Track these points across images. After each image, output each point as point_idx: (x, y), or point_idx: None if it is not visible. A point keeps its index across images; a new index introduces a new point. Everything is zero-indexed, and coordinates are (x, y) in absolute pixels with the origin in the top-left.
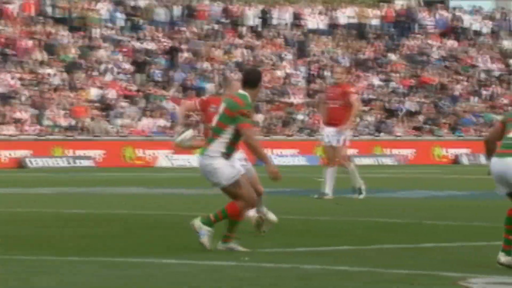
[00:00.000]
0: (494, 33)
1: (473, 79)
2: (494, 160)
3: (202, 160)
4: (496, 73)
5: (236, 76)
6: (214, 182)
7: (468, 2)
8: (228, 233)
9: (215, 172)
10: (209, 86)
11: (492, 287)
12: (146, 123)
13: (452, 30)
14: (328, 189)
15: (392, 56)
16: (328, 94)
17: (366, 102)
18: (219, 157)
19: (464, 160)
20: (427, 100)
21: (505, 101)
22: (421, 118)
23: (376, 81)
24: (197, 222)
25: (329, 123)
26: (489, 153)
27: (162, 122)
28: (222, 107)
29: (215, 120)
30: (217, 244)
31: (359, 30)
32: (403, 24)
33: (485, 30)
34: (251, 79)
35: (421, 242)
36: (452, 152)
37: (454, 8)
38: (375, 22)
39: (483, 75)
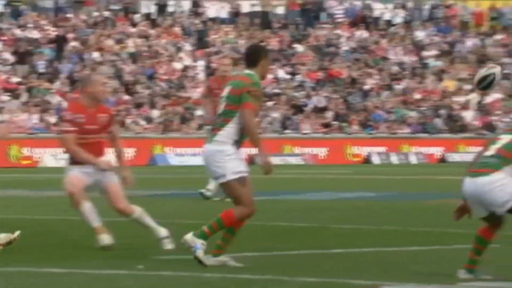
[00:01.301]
0: (407, 23)
1: (384, 72)
2: (467, 180)
3: (210, 147)
4: (409, 66)
5: (99, 70)
6: (217, 175)
7: None
8: (222, 244)
9: (224, 161)
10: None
11: None
12: (29, 118)
13: (363, 20)
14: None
15: (299, 47)
16: (216, 89)
17: (270, 96)
18: (231, 144)
19: (376, 159)
20: (336, 95)
21: (418, 96)
22: (329, 114)
23: (281, 74)
24: (189, 236)
25: None
26: None
27: (47, 117)
28: (227, 90)
29: (222, 105)
30: (208, 258)
31: (263, 19)
32: (310, 12)
33: (397, 20)
34: (248, 57)
35: (329, 247)
36: (365, 150)
37: None
38: (280, 10)
39: (395, 68)
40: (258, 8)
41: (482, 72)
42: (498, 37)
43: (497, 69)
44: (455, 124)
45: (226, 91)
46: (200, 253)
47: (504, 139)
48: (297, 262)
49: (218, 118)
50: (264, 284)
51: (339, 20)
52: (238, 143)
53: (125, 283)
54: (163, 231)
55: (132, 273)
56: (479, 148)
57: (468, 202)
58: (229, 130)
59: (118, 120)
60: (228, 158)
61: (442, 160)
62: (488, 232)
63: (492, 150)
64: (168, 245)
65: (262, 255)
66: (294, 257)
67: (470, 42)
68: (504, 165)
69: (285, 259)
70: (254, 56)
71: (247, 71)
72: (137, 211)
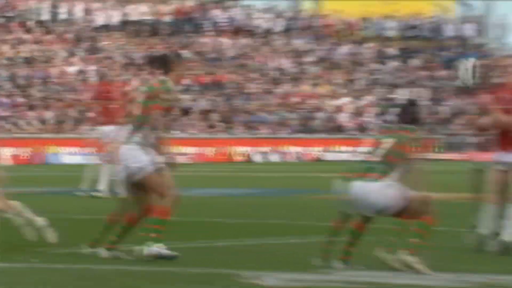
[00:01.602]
0: (286, 32)
1: (265, 77)
2: (355, 183)
3: (127, 146)
4: (288, 72)
5: None
6: (135, 171)
7: (261, 1)
8: (115, 239)
9: (138, 156)
10: None
11: (283, 283)
12: None
13: (245, 28)
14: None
15: (186, 54)
16: (103, 92)
17: None
18: (149, 145)
19: (257, 158)
20: (221, 98)
21: (297, 99)
22: (214, 116)
23: None
24: (146, 250)
25: (109, 122)
26: None
27: None
28: (142, 96)
29: (139, 110)
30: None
31: (152, 27)
32: (196, 21)
33: (277, 28)
34: (162, 64)
35: (215, 240)
36: (247, 150)
37: (247, 6)
38: (168, 18)
39: (275, 74)
40: (147, 16)
41: (468, 71)
42: (369, 45)
43: (469, 61)
44: (331, 126)
45: (141, 97)
46: (165, 252)
47: (387, 143)
48: (186, 254)
49: (136, 122)
50: (153, 276)
51: (223, 28)
52: (155, 145)
53: (20, 276)
54: (40, 221)
55: (27, 266)
56: (353, 148)
57: (355, 202)
58: (146, 133)
59: (12, 122)
60: (142, 154)
61: (319, 159)
62: (361, 226)
63: (378, 155)
64: (50, 234)
65: None
66: (183, 250)
67: (344, 50)
68: (390, 170)
69: (174, 251)
70: (167, 64)
71: (161, 78)
72: (15, 206)
